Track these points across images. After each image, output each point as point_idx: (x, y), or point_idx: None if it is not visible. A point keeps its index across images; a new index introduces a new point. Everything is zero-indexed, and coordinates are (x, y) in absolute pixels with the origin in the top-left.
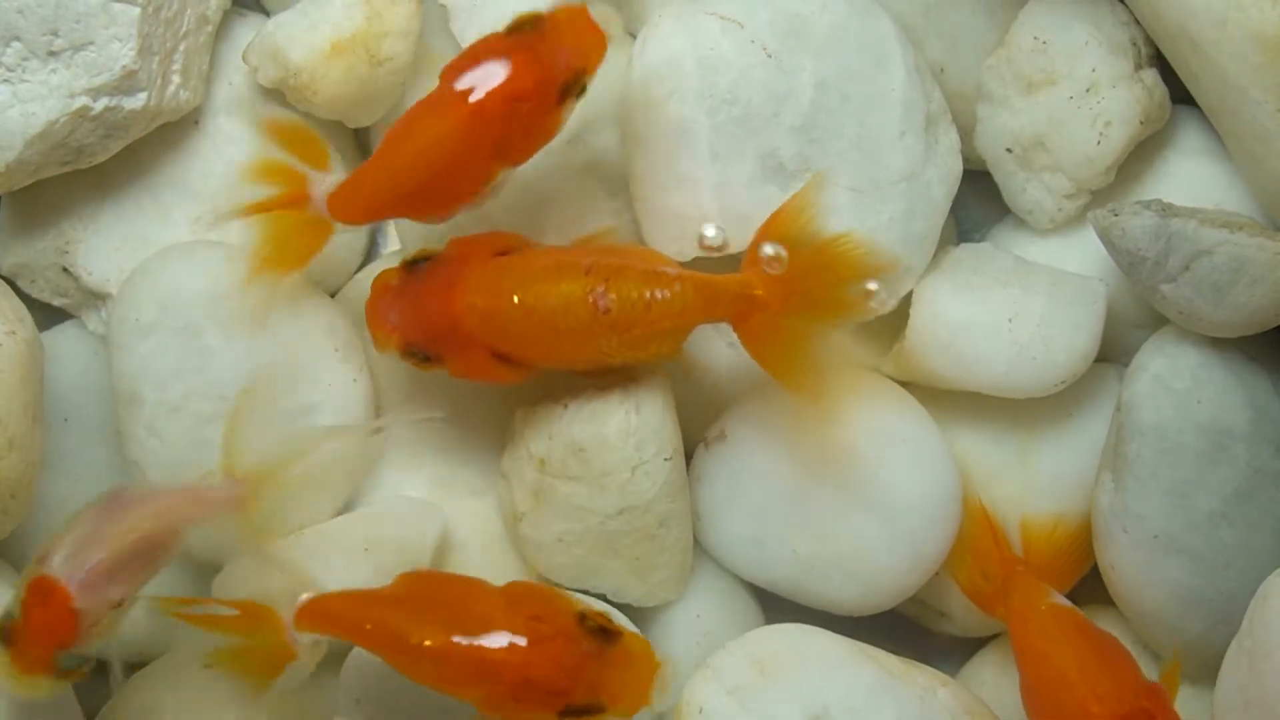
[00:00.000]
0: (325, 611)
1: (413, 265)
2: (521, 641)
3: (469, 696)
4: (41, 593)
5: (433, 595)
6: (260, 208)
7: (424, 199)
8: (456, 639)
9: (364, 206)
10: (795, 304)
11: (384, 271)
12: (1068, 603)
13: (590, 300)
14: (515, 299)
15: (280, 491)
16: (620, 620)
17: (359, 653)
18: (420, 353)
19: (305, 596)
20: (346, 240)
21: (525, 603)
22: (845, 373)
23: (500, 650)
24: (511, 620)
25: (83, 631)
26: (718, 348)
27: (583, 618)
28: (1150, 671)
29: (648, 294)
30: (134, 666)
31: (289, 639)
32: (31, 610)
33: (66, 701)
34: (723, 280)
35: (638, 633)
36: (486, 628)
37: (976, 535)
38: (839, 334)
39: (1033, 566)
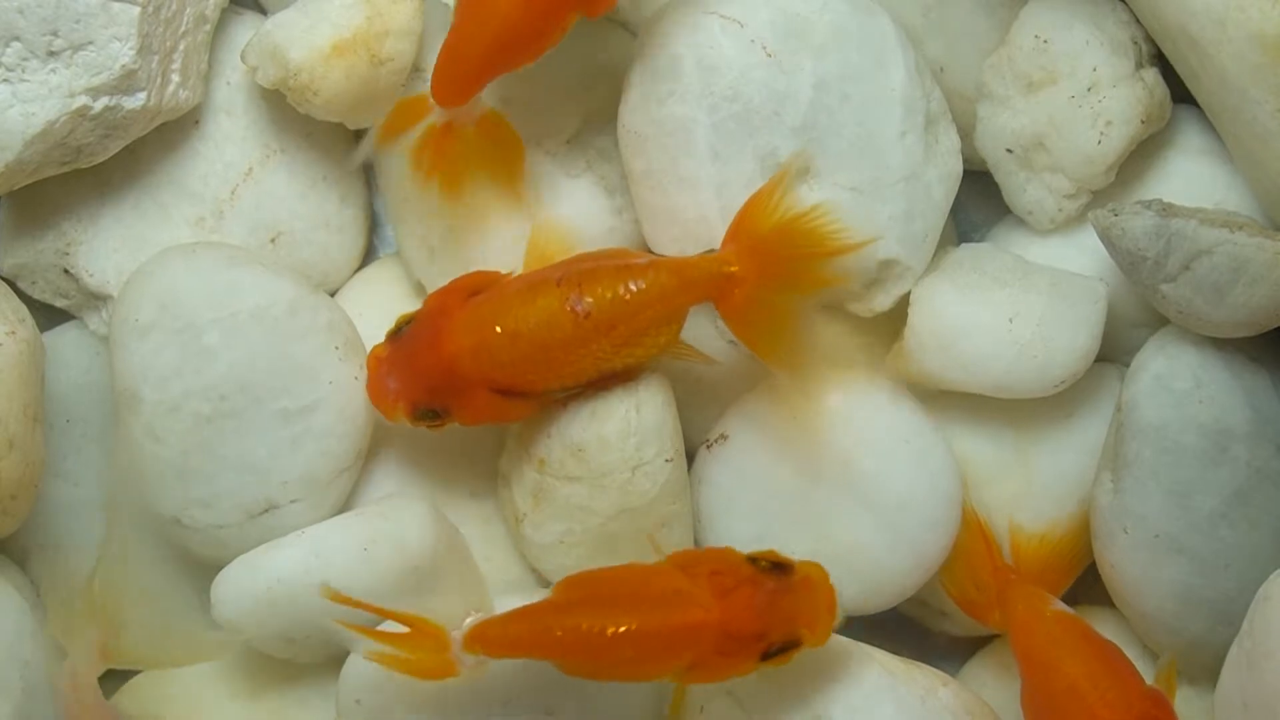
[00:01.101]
0: (496, 635)
1: (397, 333)
2: (712, 598)
3: (670, 670)
4: None
5: (602, 588)
6: (390, 128)
7: (514, 58)
8: (650, 616)
9: (462, 85)
10: (772, 278)
11: (374, 347)
12: (1070, 610)
13: (569, 309)
14: (499, 329)
15: None
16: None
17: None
18: (428, 411)
19: (473, 619)
20: (346, 241)
21: (697, 564)
22: (825, 348)
23: (696, 612)
24: (694, 582)
25: None
26: (718, 347)
27: (754, 560)
28: (1146, 674)
29: (622, 288)
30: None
31: (454, 658)
32: None
33: None
34: (697, 260)
35: (806, 559)
36: (673, 596)
37: (969, 543)
38: (816, 309)
39: (1024, 575)
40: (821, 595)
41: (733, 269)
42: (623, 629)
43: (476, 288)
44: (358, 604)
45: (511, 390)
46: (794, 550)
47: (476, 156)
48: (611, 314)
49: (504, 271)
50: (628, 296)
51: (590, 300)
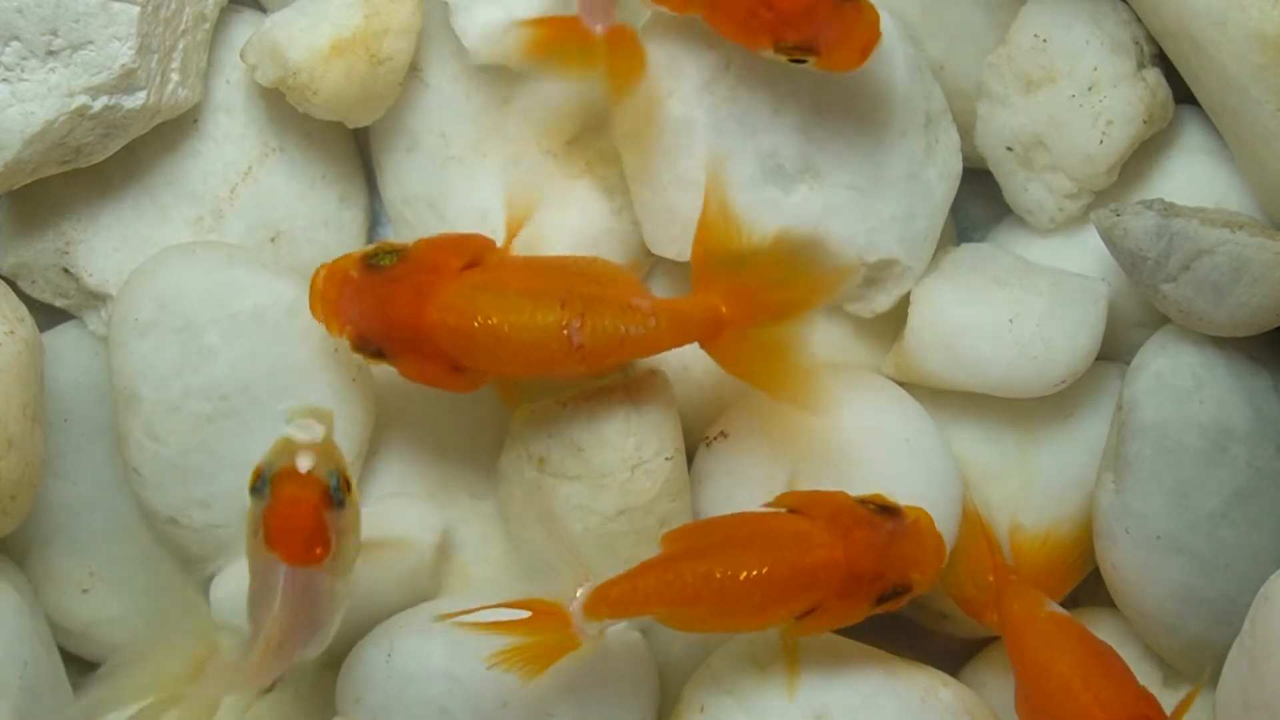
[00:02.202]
0: (622, 594)
1: (375, 261)
2: (833, 539)
3: (791, 613)
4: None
5: (719, 535)
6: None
7: None
8: (781, 557)
9: None
10: (758, 313)
11: (340, 260)
12: (1064, 611)
13: (565, 335)
14: (489, 322)
15: None
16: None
17: (359, 652)
18: (374, 350)
19: (588, 587)
20: (345, 240)
21: (811, 506)
22: (823, 368)
23: (823, 551)
24: (813, 524)
25: None
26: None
27: (863, 502)
28: (1147, 677)
29: (622, 329)
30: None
31: (577, 631)
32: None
33: (65, 703)
34: (690, 305)
35: (910, 504)
36: (798, 537)
37: (970, 542)
38: (807, 330)
39: (1024, 576)
40: (930, 540)
41: (722, 311)
42: (755, 572)
43: (473, 256)
44: (469, 613)
45: (466, 369)
46: None
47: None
48: (602, 350)
49: (496, 242)
50: (624, 338)
51: (588, 332)
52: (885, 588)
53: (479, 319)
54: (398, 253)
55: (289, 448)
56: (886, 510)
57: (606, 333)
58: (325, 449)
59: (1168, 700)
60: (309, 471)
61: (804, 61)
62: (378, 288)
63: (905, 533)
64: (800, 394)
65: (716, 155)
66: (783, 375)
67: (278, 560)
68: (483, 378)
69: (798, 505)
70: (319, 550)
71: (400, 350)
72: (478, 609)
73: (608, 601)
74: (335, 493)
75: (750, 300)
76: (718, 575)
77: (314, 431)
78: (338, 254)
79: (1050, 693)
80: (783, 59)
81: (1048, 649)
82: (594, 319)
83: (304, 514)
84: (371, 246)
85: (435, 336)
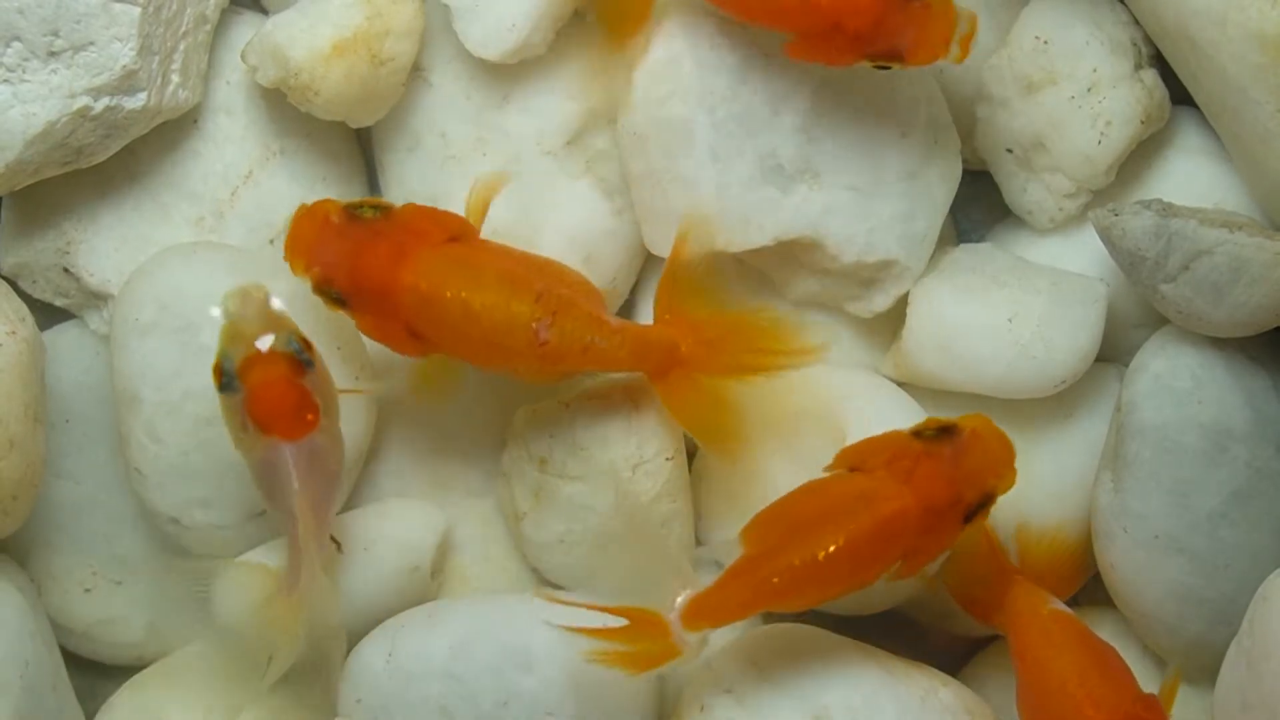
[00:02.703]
0: (716, 606)
1: (357, 210)
2: (899, 485)
3: (888, 567)
4: None
5: (790, 517)
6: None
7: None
8: (852, 526)
9: None
10: (713, 363)
11: (323, 202)
12: (1068, 609)
13: (533, 328)
14: (461, 296)
15: None
16: None
17: (359, 652)
18: (336, 296)
19: (684, 598)
20: None
21: (869, 458)
22: (762, 430)
23: (891, 504)
24: (874, 478)
25: None
26: None
27: (919, 434)
28: (1146, 677)
29: (589, 338)
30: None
31: (677, 642)
32: None
33: (66, 702)
34: (653, 334)
35: (966, 414)
36: (863, 498)
37: (973, 540)
38: (755, 393)
39: (1028, 574)
40: (993, 444)
41: (681, 349)
42: (833, 549)
43: (456, 231)
44: (570, 603)
45: (423, 337)
46: None
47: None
48: (564, 353)
49: (478, 230)
50: (588, 348)
51: (556, 332)
52: (967, 507)
53: (452, 291)
54: (383, 210)
55: (239, 333)
56: (943, 432)
57: (573, 337)
58: (273, 320)
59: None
60: (270, 348)
61: (889, 67)
62: (357, 237)
63: (967, 448)
64: (728, 451)
65: (702, 200)
66: (717, 428)
67: (277, 442)
68: (433, 349)
69: (857, 461)
70: (310, 418)
71: (363, 304)
72: (579, 604)
73: (704, 614)
74: (301, 356)
75: (709, 348)
76: (798, 564)
77: (256, 308)
78: None
79: (1047, 690)
80: (873, 67)
81: (1047, 646)
82: (565, 320)
83: (285, 391)
84: (358, 199)
85: (403, 299)
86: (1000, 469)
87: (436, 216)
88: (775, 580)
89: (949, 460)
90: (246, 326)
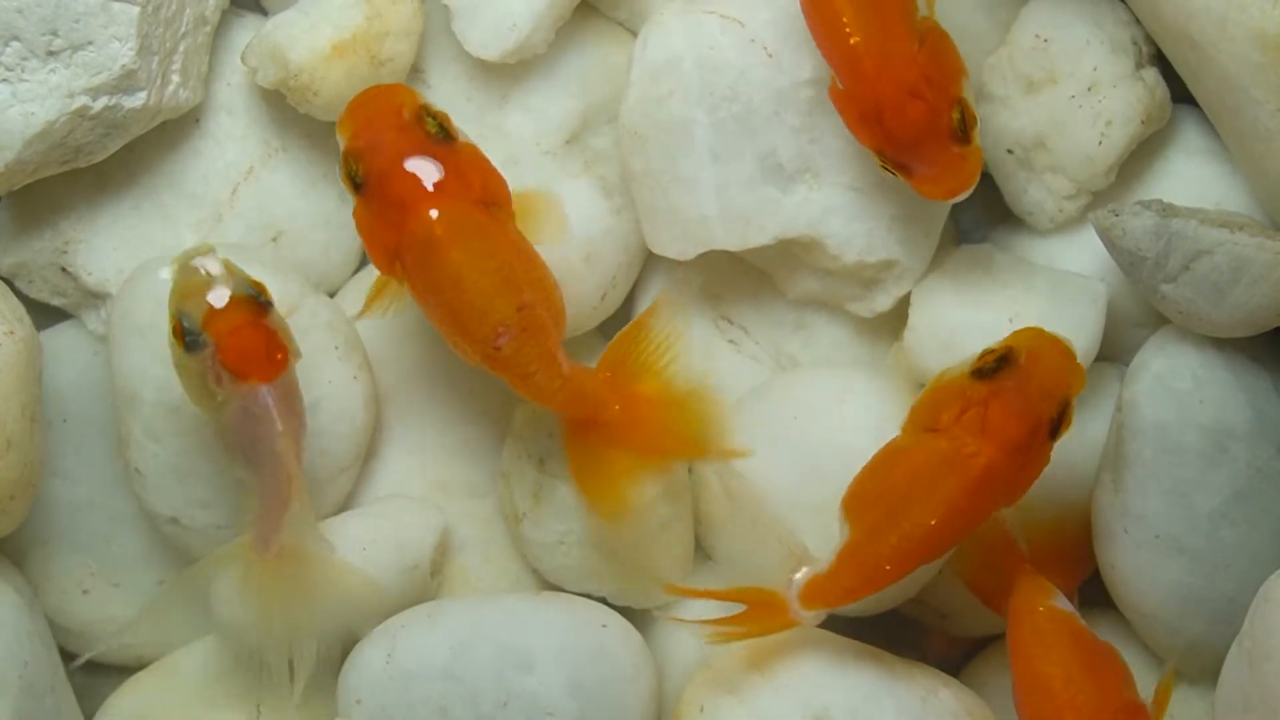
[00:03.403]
0: (833, 590)
1: (426, 120)
2: (975, 437)
3: (986, 514)
4: None
5: (883, 496)
6: None
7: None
8: (945, 491)
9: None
10: (633, 439)
11: (404, 90)
12: (1070, 607)
13: (498, 331)
14: (459, 266)
15: None
16: None
17: (359, 653)
18: (357, 174)
19: (804, 575)
20: (346, 241)
21: (937, 415)
22: (641, 491)
23: (975, 461)
24: (950, 436)
25: None
26: (718, 347)
27: (978, 373)
28: (1146, 677)
29: (534, 368)
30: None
31: (795, 617)
32: None
33: (65, 702)
34: (590, 391)
35: (1016, 331)
36: (946, 461)
37: (985, 530)
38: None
39: (1038, 564)
40: (1050, 355)
41: (612, 412)
42: (933, 520)
43: (494, 197)
44: (692, 593)
45: (400, 273)
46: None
47: None
48: (506, 367)
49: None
50: (529, 375)
51: (511, 348)
52: (1048, 426)
53: (457, 255)
54: (447, 133)
55: (191, 290)
56: (1002, 363)
57: (523, 359)
58: (223, 271)
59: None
60: (230, 298)
61: (894, 174)
62: (410, 144)
63: (1030, 371)
64: (611, 514)
65: (666, 292)
66: (605, 490)
67: (255, 386)
68: (399, 277)
69: (929, 421)
70: (281, 357)
71: (374, 204)
72: (700, 593)
73: (821, 597)
74: (260, 299)
75: (634, 424)
76: (906, 546)
77: (210, 265)
78: (337, 254)
79: (1033, 686)
80: (880, 164)
81: (1039, 643)
82: (528, 343)
83: (254, 334)
84: (434, 109)
85: (414, 229)
86: (1068, 375)
87: (486, 172)
88: (887, 567)
89: (1016, 392)
90: (198, 281)
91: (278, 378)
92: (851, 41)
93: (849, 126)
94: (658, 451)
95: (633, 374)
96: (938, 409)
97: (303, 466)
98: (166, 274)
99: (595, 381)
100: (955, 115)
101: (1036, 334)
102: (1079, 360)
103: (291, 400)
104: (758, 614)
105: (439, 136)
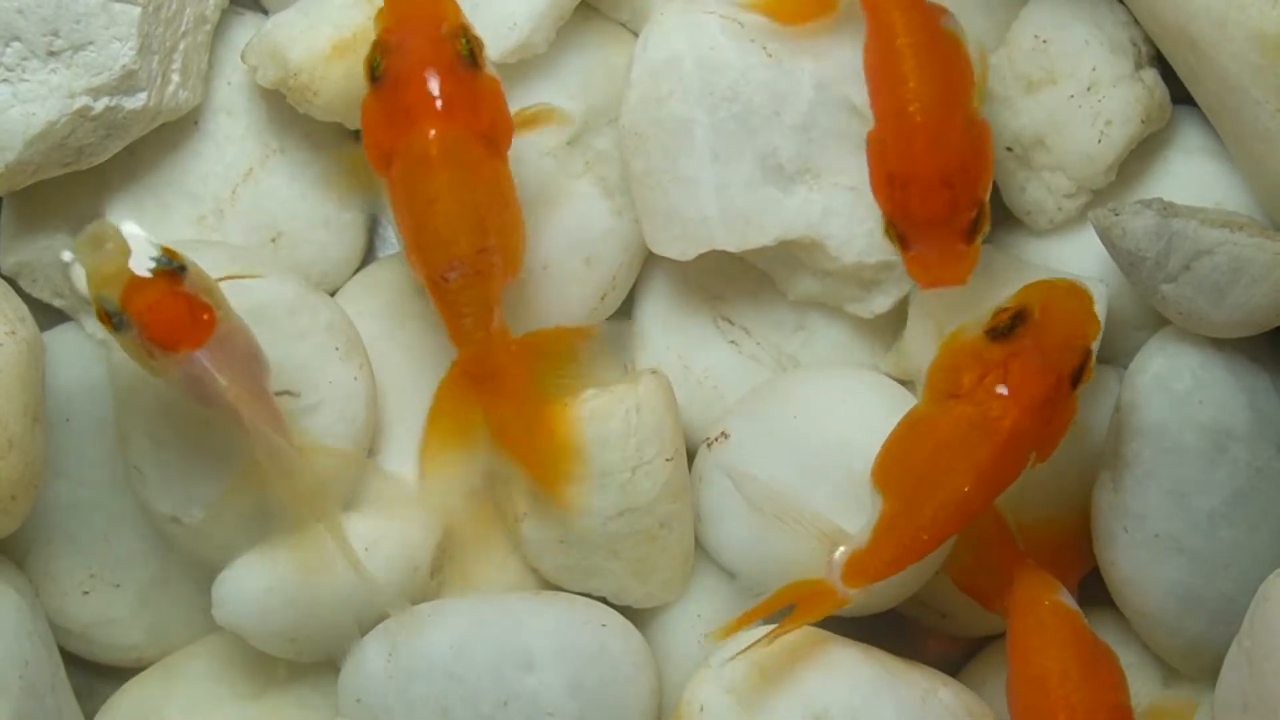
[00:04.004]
0: (875, 564)
1: (455, 37)
2: (1000, 400)
3: (1019, 470)
4: None
5: (914, 466)
6: None
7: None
8: (977, 456)
9: None
10: (494, 409)
11: (446, 4)
12: (1073, 604)
13: (451, 264)
14: (440, 190)
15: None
16: None
17: (360, 652)
18: (380, 66)
19: (842, 555)
20: (346, 241)
21: (957, 379)
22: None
23: (1003, 423)
24: (974, 401)
25: None
26: (718, 347)
27: (994, 332)
28: (1146, 677)
29: (468, 314)
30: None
31: (842, 596)
32: None
33: (65, 703)
34: (497, 358)
35: (1026, 286)
36: (974, 426)
37: (980, 529)
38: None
39: (1036, 559)
40: (1064, 305)
41: (494, 385)
42: (967, 488)
43: (497, 133)
44: (745, 620)
45: (385, 163)
46: (795, 550)
47: None
48: (444, 300)
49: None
50: (461, 316)
51: (456, 284)
52: (1073, 374)
53: (443, 179)
54: (475, 56)
55: (103, 272)
56: (1017, 321)
57: (462, 300)
58: (129, 246)
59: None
60: (141, 272)
61: (892, 243)
62: (434, 55)
63: (1045, 325)
64: (546, 481)
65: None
66: (536, 454)
67: (189, 354)
68: (378, 168)
69: (950, 387)
70: (206, 317)
71: (386, 98)
72: (752, 613)
73: (864, 573)
74: (170, 265)
75: (499, 403)
76: (942, 515)
77: (110, 244)
78: (337, 254)
79: (1029, 681)
80: (884, 228)
81: (1038, 637)
82: (474, 287)
83: (173, 305)
84: (468, 29)
85: (411, 140)
86: (1084, 323)
87: (497, 110)
88: (925, 536)
89: (1035, 349)
90: (107, 263)
91: (207, 339)
92: (910, 109)
93: (871, 180)
94: (497, 440)
95: (533, 363)
96: (957, 374)
97: (269, 393)
98: (68, 256)
99: (504, 353)
100: (973, 216)
101: (1048, 286)
102: (1090, 300)
103: (231, 344)
104: (807, 606)
105: (467, 60)
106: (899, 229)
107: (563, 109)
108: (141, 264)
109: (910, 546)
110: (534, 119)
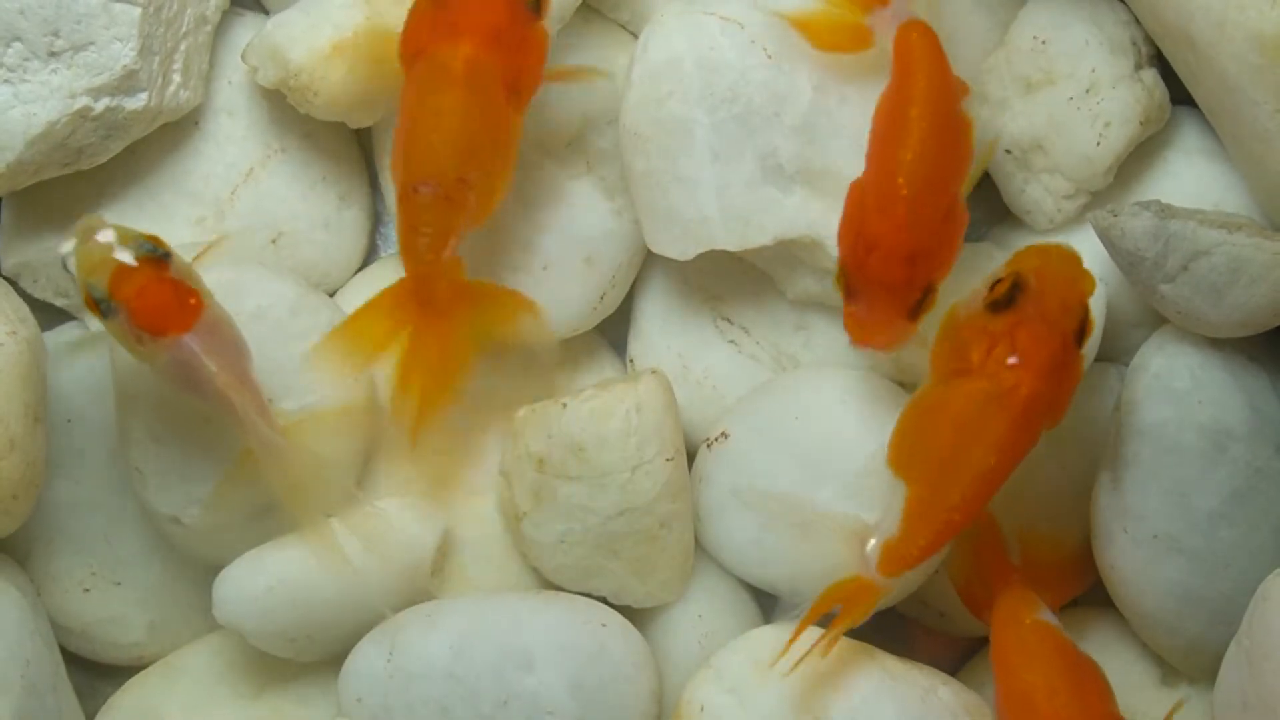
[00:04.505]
0: (907, 553)
1: (535, 2)
2: (1014, 371)
3: (1039, 433)
4: None
5: (934, 448)
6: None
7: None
8: (997, 426)
9: None
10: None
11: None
12: (1054, 620)
13: (425, 181)
14: (440, 110)
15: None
16: None
17: (360, 652)
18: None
19: (875, 547)
20: (346, 241)
21: (965, 354)
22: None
23: (1018, 392)
24: (984, 375)
25: None
26: (718, 347)
27: (993, 305)
28: (1146, 677)
29: (425, 234)
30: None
31: (881, 586)
32: None
33: (66, 702)
34: (442, 286)
35: (1014, 255)
36: (992, 401)
37: (979, 537)
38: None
39: (1028, 577)
40: (1055, 268)
41: (440, 293)
42: (993, 459)
43: (524, 85)
44: (801, 628)
45: (407, 66)
46: (795, 550)
47: None
48: (407, 216)
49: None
50: (414, 237)
51: (424, 202)
52: (1073, 337)
53: (452, 94)
54: (540, 11)
55: (91, 261)
56: (1015, 291)
57: (424, 220)
58: (116, 235)
59: (1163, 701)
60: (129, 260)
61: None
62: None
63: (1042, 290)
64: (430, 401)
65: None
66: (438, 384)
67: (177, 339)
68: (406, 70)
69: (958, 364)
70: (193, 302)
71: (442, 7)
72: (802, 623)
73: (899, 561)
74: (156, 252)
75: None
76: (970, 494)
77: (104, 234)
78: (338, 254)
79: (1016, 700)
80: (835, 274)
81: (1022, 655)
82: (439, 209)
83: (160, 291)
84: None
85: (442, 50)
86: (1078, 282)
87: (534, 63)
88: (956, 516)
89: (1037, 315)
90: (95, 251)
91: (195, 324)
92: (900, 179)
93: (841, 224)
94: (405, 360)
95: (471, 307)
96: (964, 350)
97: (254, 376)
98: (67, 247)
99: (449, 286)
100: (919, 299)
101: (1038, 251)
102: (1080, 257)
103: (218, 330)
104: (852, 603)
105: (531, 4)
106: (850, 282)
107: (599, 68)
108: (129, 252)
109: (943, 528)
110: (568, 73)
